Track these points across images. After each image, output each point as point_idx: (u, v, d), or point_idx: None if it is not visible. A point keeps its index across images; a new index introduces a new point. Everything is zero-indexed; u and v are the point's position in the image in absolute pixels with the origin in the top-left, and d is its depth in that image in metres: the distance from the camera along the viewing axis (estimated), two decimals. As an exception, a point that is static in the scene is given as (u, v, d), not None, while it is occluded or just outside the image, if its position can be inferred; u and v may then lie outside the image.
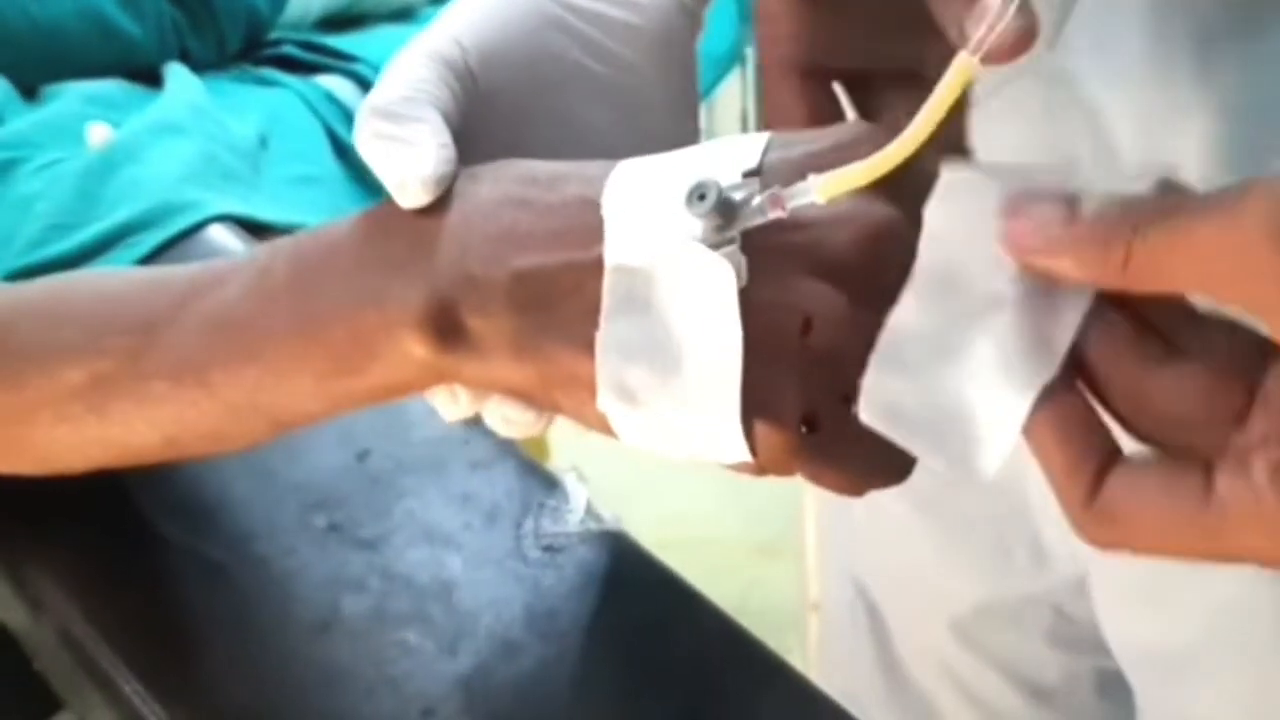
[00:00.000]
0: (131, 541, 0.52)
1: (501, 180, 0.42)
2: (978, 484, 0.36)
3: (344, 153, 1.13)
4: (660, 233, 0.38)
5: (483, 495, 0.54)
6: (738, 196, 0.37)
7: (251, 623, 0.50)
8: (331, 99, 1.16)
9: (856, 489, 0.40)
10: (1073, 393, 0.35)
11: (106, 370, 0.46)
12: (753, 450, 0.38)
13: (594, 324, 0.38)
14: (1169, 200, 0.33)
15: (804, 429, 0.38)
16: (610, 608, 0.50)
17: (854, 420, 0.36)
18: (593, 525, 0.52)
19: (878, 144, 0.37)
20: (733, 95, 2.25)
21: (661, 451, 0.39)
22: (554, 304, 0.39)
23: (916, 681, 0.77)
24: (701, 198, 0.37)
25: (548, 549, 0.52)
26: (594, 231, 0.39)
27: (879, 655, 0.78)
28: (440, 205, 0.41)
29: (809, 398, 0.38)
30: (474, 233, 0.41)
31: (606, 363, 0.38)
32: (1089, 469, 0.34)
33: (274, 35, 1.28)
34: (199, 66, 1.15)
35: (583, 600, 0.50)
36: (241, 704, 0.48)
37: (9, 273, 0.72)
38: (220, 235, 0.73)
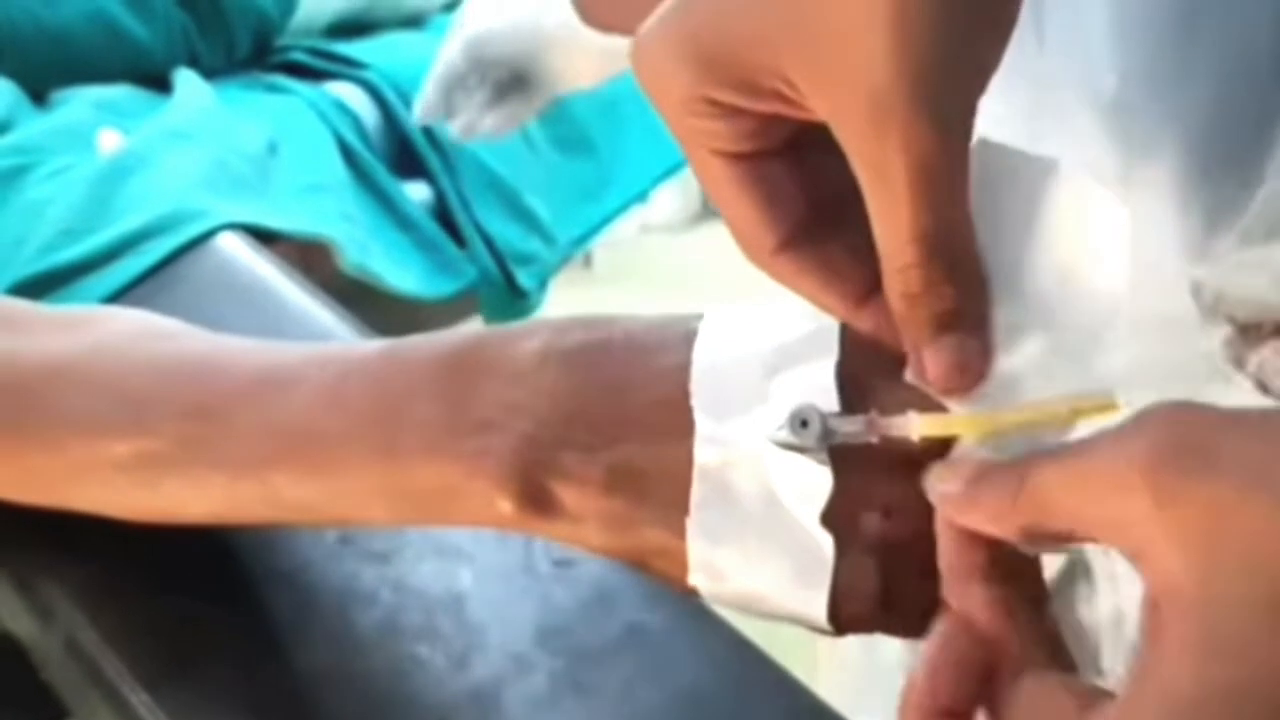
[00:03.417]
0: (141, 553, 0.52)
1: (583, 348, 0.43)
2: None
3: (353, 161, 1.12)
4: (750, 428, 0.40)
5: (494, 508, 0.54)
6: (837, 426, 0.39)
7: (261, 635, 0.50)
8: (341, 107, 1.15)
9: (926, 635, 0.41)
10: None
11: (157, 450, 0.46)
12: (834, 622, 0.40)
13: (685, 509, 0.40)
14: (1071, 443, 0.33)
15: (881, 606, 0.40)
16: (620, 623, 0.50)
17: (929, 590, 0.37)
18: (604, 540, 0.52)
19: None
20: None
21: (744, 612, 0.42)
22: (646, 492, 0.41)
23: None
24: (804, 424, 0.39)
25: (558, 563, 0.52)
26: (683, 424, 0.41)
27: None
28: (527, 363, 0.43)
29: (887, 579, 0.40)
30: (562, 409, 0.42)
31: (697, 548, 0.40)
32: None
33: (284, 42, 1.27)
34: (208, 72, 1.15)
35: (593, 615, 0.50)
36: (250, 717, 0.48)
37: (21, 279, 0.72)
38: (230, 244, 0.73)
